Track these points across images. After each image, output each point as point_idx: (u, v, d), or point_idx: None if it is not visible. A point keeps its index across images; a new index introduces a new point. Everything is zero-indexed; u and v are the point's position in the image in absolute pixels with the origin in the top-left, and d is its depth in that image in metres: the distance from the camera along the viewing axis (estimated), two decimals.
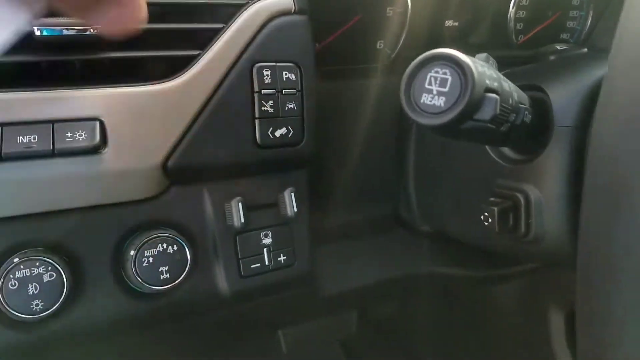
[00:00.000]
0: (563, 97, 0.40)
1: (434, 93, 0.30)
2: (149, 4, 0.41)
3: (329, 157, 0.57)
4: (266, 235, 0.47)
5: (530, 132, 0.40)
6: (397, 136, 0.60)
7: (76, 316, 0.39)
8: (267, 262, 0.46)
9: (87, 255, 0.40)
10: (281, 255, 0.47)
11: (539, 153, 0.41)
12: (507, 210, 0.43)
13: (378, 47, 0.60)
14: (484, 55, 0.34)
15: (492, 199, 0.44)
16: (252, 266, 0.46)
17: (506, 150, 0.46)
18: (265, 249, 0.46)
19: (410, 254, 0.62)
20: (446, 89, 0.29)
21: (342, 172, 0.59)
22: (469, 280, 0.65)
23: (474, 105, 0.29)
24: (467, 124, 0.30)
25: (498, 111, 0.29)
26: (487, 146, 0.47)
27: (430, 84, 0.30)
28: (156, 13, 0.43)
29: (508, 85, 0.33)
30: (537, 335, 1.11)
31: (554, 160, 0.40)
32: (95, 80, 0.39)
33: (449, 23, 0.63)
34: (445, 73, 0.29)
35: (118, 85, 0.39)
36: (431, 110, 0.30)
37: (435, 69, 0.30)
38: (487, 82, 0.29)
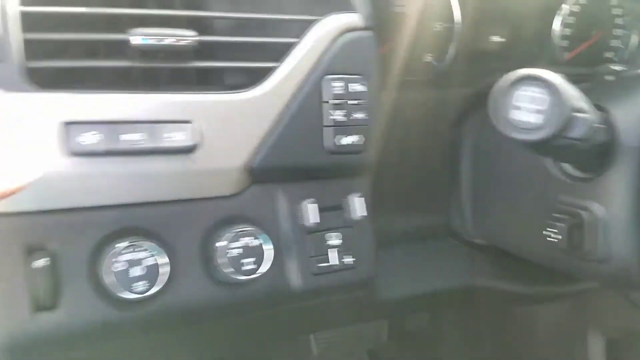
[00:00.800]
0: (629, 117, 0.42)
1: (526, 110, 0.33)
2: (228, 18, 0.45)
3: (383, 165, 0.60)
4: (334, 237, 0.50)
5: (597, 155, 0.43)
6: (449, 147, 0.63)
7: (170, 299, 0.43)
8: (335, 262, 0.50)
9: (180, 243, 0.44)
10: (347, 257, 0.50)
11: (603, 171, 0.43)
12: (574, 227, 0.45)
13: (426, 60, 0.63)
14: (559, 75, 0.37)
15: (556, 214, 0.46)
16: (321, 265, 0.49)
17: (567, 167, 0.48)
18: (332, 250, 0.50)
19: (461, 266, 0.64)
20: (539, 107, 0.32)
21: (395, 181, 0.62)
22: (518, 296, 0.67)
23: (567, 124, 0.32)
24: (558, 141, 0.32)
25: (589, 130, 0.32)
26: (550, 165, 0.49)
27: (521, 101, 0.33)
28: (234, 26, 0.47)
29: (589, 105, 0.36)
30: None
31: (620, 179, 0.41)
32: (184, 86, 0.43)
33: (494, 38, 0.66)
34: (537, 92, 0.32)
35: (208, 92, 0.43)
36: (522, 126, 0.33)
37: (527, 88, 0.33)
38: (577, 102, 0.32)
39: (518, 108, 0.33)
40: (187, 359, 0.57)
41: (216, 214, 0.46)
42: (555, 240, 0.44)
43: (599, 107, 0.45)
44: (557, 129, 0.31)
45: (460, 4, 0.61)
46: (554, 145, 0.33)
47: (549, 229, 0.44)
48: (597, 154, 0.43)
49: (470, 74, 0.63)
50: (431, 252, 0.64)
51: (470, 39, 0.62)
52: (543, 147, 0.33)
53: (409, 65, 0.59)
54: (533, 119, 0.32)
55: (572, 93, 0.32)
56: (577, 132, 0.32)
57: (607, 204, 0.43)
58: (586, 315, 0.98)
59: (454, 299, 0.65)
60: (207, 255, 0.45)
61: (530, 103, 0.32)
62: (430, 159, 0.63)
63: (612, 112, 0.44)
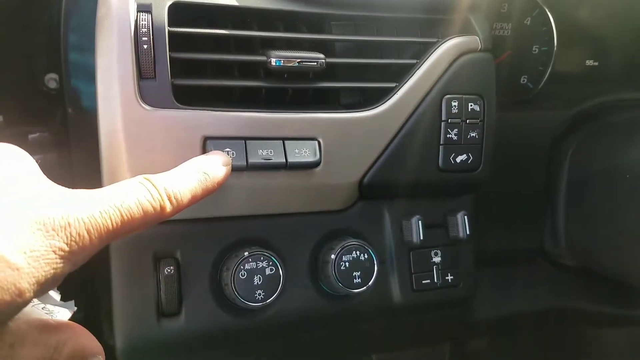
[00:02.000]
0: None
1: None
2: (350, 41, 0.48)
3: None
4: (436, 254, 0.51)
5: None
6: (547, 169, 0.63)
7: (282, 308, 0.46)
8: (436, 280, 0.51)
9: (293, 255, 0.47)
10: (449, 274, 0.52)
11: None
12: None
13: (522, 81, 0.65)
14: None
15: None
16: (423, 282, 0.51)
17: None
18: (435, 267, 0.51)
19: (551, 287, 0.64)
20: None
21: (490, 202, 0.63)
22: (608, 317, 0.66)
23: None
24: None
25: None
26: None
27: None
28: (353, 48, 0.50)
29: None
30: None
31: None
32: (304, 106, 0.47)
33: (589, 62, 0.67)
34: None
35: (332, 111, 0.46)
36: None
37: None
38: None
39: None
40: None
41: (326, 227, 0.48)
42: None
43: None
44: None
45: (557, 28, 0.63)
46: None
47: None
48: None
49: (565, 97, 0.64)
50: (522, 274, 0.64)
51: (566, 63, 0.63)
52: None
53: (506, 86, 0.61)
54: None
55: None
56: None
57: None
58: None
59: (542, 321, 0.65)
60: (316, 266, 0.47)
61: None
62: (526, 181, 0.64)
63: None
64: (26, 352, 0.27)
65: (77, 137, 0.49)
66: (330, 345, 0.56)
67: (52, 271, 0.27)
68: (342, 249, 0.46)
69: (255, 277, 0.43)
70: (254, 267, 0.43)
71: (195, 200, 0.36)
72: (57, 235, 0.27)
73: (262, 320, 0.45)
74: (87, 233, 0.28)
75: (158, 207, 0.33)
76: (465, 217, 0.51)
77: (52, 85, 0.51)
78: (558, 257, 0.64)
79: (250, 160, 0.42)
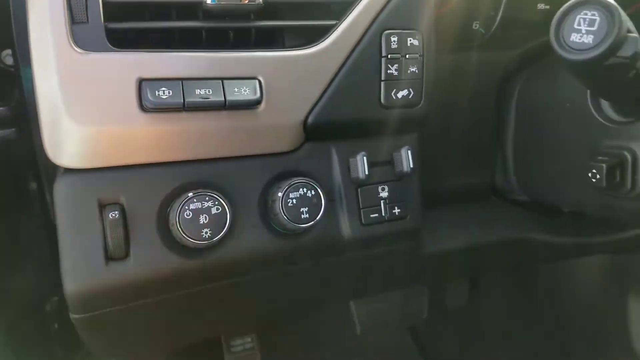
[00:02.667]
0: None
1: (583, 32, 0.36)
2: None
3: (431, 125, 0.63)
4: (383, 189, 0.53)
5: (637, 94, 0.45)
6: (495, 108, 0.65)
7: (232, 247, 0.47)
8: (383, 214, 0.53)
9: (241, 196, 0.48)
10: (396, 208, 0.54)
11: None
12: (614, 166, 0.48)
13: (474, 27, 0.66)
14: None
15: (600, 157, 0.49)
16: (371, 216, 0.53)
17: (610, 112, 0.51)
18: (382, 201, 0.53)
19: (504, 221, 0.67)
20: (594, 28, 0.36)
21: (442, 141, 0.65)
22: (560, 247, 0.69)
23: (619, 42, 0.35)
24: (609, 60, 0.35)
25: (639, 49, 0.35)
26: (593, 110, 0.52)
27: (579, 24, 0.36)
28: None
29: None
30: (614, 322, 1.12)
31: None
32: (247, 45, 0.47)
33: (540, 6, 0.68)
34: (593, 15, 0.36)
35: (272, 50, 0.47)
36: (579, 47, 0.36)
37: (585, 11, 0.36)
38: (630, 25, 0.35)
39: (577, 31, 0.36)
40: (244, 311, 0.61)
41: (275, 169, 0.49)
42: (595, 180, 0.47)
43: None
44: (610, 46, 0.34)
45: None
46: (605, 66, 0.36)
47: (590, 172, 0.47)
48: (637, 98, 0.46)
49: (517, 39, 0.66)
50: (475, 210, 0.67)
51: (518, 8, 0.64)
52: (594, 69, 0.36)
53: (458, 31, 0.62)
54: (589, 40, 0.35)
55: (625, 17, 0.35)
56: (627, 51, 0.35)
57: None
58: (628, 277, 0.99)
59: (496, 254, 0.68)
60: (265, 206, 0.49)
61: (588, 26, 0.35)
62: (476, 119, 0.66)
63: None
64: None
65: (35, 112, 0.50)
66: (286, 288, 0.59)
67: None
68: (290, 186, 0.48)
69: (201, 217, 0.44)
70: (200, 206, 0.44)
71: None
72: None
73: (213, 260, 0.47)
74: None
75: None
76: (409, 151, 0.53)
77: (9, 61, 0.51)
78: (510, 193, 0.67)
79: (187, 99, 0.43)
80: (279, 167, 0.50)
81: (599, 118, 0.52)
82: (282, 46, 0.50)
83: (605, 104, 0.52)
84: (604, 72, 0.38)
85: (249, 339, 0.98)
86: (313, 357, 1.31)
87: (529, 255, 0.74)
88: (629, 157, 0.47)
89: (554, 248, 0.69)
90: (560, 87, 0.57)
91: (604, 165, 0.48)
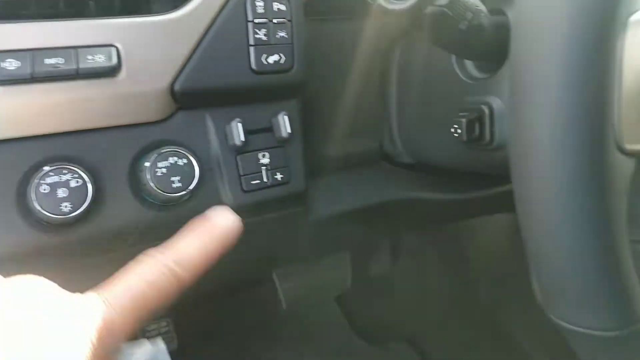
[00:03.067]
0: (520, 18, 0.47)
1: None
2: None
3: (318, 96, 0.64)
4: (264, 156, 0.54)
5: (493, 52, 0.48)
6: (380, 74, 0.67)
7: (98, 221, 0.46)
8: (265, 180, 0.54)
9: (107, 168, 0.47)
10: (278, 173, 0.55)
11: (500, 68, 0.50)
12: (473, 120, 0.51)
13: None
14: None
15: (461, 113, 0.52)
16: (252, 182, 0.53)
17: (473, 70, 0.54)
18: (263, 168, 0.54)
19: (391, 183, 0.70)
20: None
21: (331, 111, 0.66)
22: (443, 204, 0.74)
23: None
24: (428, 9, 0.37)
25: None
26: (457, 69, 0.55)
27: None
28: None
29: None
30: (519, 277, 1.21)
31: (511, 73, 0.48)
32: (105, 12, 0.46)
33: None
34: None
35: (130, 16, 0.46)
36: None
37: None
38: None
39: None
40: None
41: (144, 140, 0.49)
42: (457, 135, 0.50)
43: (495, 11, 0.50)
44: None
45: None
46: (436, 20, 0.38)
47: (452, 128, 0.50)
48: (494, 56, 0.49)
49: None
50: (366, 174, 0.69)
51: None
52: (416, 20, 0.38)
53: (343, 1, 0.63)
54: None
55: None
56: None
57: (502, 96, 0.49)
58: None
59: (384, 213, 0.71)
60: (135, 178, 0.48)
61: None
62: (363, 86, 0.68)
63: (508, 14, 0.49)
64: None
65: None
66: None
67: None
68: (158, 155, 0.47)
69: (60, 190, 0.43)
70: (58, 180, 0.43)
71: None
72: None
73: (78, 235, 0.46)
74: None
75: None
76: (286, 117, 0.54)
77: None
78: (397, 157, 0.69)
79: (36, 69, 0.41)
80: (149, 137, 0.49)
81: (461, 76, 0.55)
82: (148, 12, 0.49)
83: (469, 63, 0.56)
84: (440, 28, 0.40)
85: (164, 323, 0.97)
86: (238, 339, 1.32)
87: (420, 214, 0.78)
88: (486, 110, 0.51)
89: (440, 205, 0.73)
90: (431, 49, 0.60)
91: (463, 120, 0.51)
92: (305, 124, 0.64)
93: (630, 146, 0.30)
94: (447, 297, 1.46)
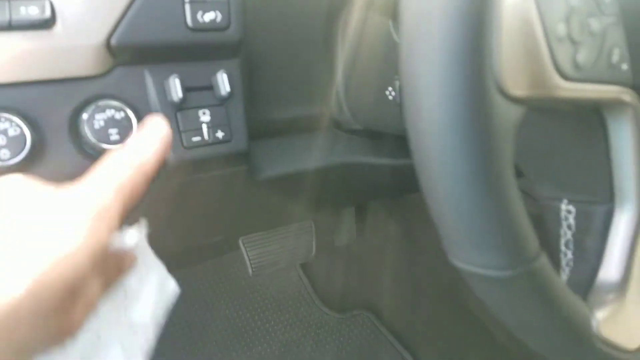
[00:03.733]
0: None
1: None
2: None
3: (264, 58, 0.66)
4: (204, 113, 0.56)
5: None
6: (324, 39, 0.69)
7: (40, 172, 0.48)
8: (206, 137, 0.56)
9: (47, 121, 0.48)
10: (219, 131, 0.57)
11: None
12: None
13: None
14: None
15: (397, 76, 0.54)
16: (193, 139, 0.55)
17: None
18: (203, 125, 0.56)
19: (339, 147, 0.72)
20: None
21: (277, 74, 0.68)
22: (393, 169, 0.76)
23: None
24: None
25: None
26: (393, 32, 0.57)
27: None
28: None
29: None
30: None
31: None
32: None
33: None
34: None
35: None
36: None
37: None
38: None
39: None
40: None
41: (84, 93, 0.50)
42: (391, 97, 0.52)
43: None
44: None
45: None
46: None
47: (387, 91, 0.52)
48: None
49: None
50: (314, 139, 0.71)
51: None
52: None
53: None
54: None
55: None
56: None
57: None
58: None
59: (331, 176, 0.73)
60: (76, 130, 0.50)
61: None
62: (312, 55, 0.69)
63: None
64: None
65: None
66: None
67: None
68: (96, 107, 0.49)
69: None
70: None
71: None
72: None
73: None
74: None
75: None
76: (224, 75, 0.55)
77: None
78: (346, 124, 0.71)
79: None
80: (89, 92, 0.50)
81: (397, 40, 0.57)
82: None
83: None
84: None
85: None
86: (206, 303, 1.35)
87: (374, 181, 0.80)
88: None
89: (391, 172, 0.76)
90: (370, 14, 0.62)
91: (397, 82, 0.53)
92: (252, 86, 0.66)
93: (514, 91, 0.33)
94: (407, 269, 1.50)
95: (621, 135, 0.42)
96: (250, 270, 1.29)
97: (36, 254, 0.32)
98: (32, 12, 0.45)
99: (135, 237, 0.43)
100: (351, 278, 1.49)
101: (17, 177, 0.38)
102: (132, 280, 0.44)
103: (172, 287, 0.47)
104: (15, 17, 0.44)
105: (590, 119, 0.44)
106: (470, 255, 0.36)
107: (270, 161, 0.67)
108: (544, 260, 0.36)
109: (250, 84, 0.66)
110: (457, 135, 0.32)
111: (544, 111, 0.47)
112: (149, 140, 0.44)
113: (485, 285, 0.38)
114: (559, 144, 0.49)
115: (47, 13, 0.46)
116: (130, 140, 0.44)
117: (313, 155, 0.70)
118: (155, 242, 0.49)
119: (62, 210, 0.35)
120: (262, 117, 0.68)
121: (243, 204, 0.73)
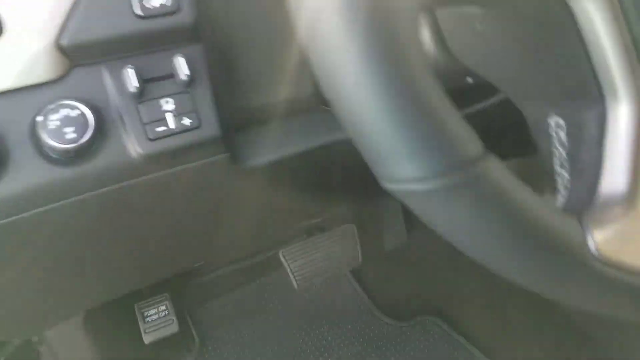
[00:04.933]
0: None
1: None
2: None
3: (239, 43, 0.64)
4: (167, 102, 0.55)
5: None
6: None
7: (9, 182, 0.49)
8: (171, 126, 0.55)
9: (10, 131, 0.50)
10: (185, 118, 0.55)
11: None
12: None
13: None
14: None
15: None
16: (158, 129, 0.54)
17: None
18: (168, 114, 0.55)
19: (324, 126, 0.68)
20: None
21: (254, 58, 0.66)
22: None
23: None
24: None
25: None
26: None
27: None
28: None
29: None
30: None
31: None
32: None
33: None
34: None
35: None
36: None
37: None
38: None
39: None
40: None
41: (43, 100, 0.51)
42: None
43: None
44: None
45: None
46: None
47: None
48: None
49: None
50: (300, 121, 0.68)
51: None
52: None
53: None
54: None
55: None
56: None
57: None
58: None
59: (326, 158, 0.69)
60: (36, 137, 0.50)
61: None
62: (290, 32, 0.67)
63: None
64: None
65: None
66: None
67: None
68: (49, 109, 0.49)
69: None
70: None
71: None
72: None
73: None
74: None
75: None
76: (181, 58, 0.54)
77: None
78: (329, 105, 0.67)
79: None
80: (49, 96, 0.51)
81: None
82: None
83: None
84: None
85: (163, 307, 1.00)
86: (247, 323, 1.32)
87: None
88: None
89: None
90: None
91: None
92: (232, 75, 0.64)
93: None
94: (476, 266, 1.38)
95: (593, 19, 0.35)
96: (295, 284, 1.26)
97: None
98: None
99: None
100: (409, 282, 1.40)
101: None
102: None
103: None
104: None
105: (556, 14, 0.37)
106: (400, 171, 0.31)
107: (255, 148, 0.65)
108: (491, 164, 0.29)
109: (230, 73, 0.65)
110: (361, 45, 0.28)
111: (506, 18, 0.41)
112: None
113: (424, 203, 0.32)
114: (529, 51, 0.42)
115: None
116: None
117: (302, 138, 0.67)
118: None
119: None
120: (245, 105, 0.66)
121: (238, 201, 0.71)
